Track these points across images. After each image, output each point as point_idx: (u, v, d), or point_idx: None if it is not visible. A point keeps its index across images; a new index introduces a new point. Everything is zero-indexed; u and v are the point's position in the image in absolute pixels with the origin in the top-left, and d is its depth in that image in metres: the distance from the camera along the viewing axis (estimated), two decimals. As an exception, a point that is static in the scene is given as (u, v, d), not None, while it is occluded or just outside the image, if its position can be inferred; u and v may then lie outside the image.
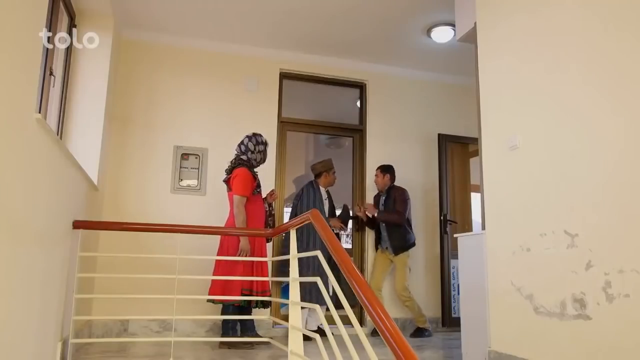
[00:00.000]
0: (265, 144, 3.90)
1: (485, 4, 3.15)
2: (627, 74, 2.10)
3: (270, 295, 3.68)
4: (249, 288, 3.56)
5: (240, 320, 3.72)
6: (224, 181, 3.88)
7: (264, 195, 3.99)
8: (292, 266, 2.74)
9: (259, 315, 3.95)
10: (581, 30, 2.37)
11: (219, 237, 3.78)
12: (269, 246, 4.42)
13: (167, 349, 3.24)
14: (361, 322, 4.67)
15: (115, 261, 3.99)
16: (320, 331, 3.76)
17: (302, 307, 2.93)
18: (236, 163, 3.78)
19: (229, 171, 3.81)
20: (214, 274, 3.63)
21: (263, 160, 3.92)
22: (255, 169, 3.86)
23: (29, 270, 2.07)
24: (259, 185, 3.81)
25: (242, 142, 3.84)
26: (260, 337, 3.68)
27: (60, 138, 3.56)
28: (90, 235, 3.55)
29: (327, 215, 4.43)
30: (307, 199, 4.35)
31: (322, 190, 4.48)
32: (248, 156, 3.79)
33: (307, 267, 3.99)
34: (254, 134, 3.88)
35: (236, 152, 3.85)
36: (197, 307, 3.98)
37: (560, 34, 2.50)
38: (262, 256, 3.69)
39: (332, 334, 2.04)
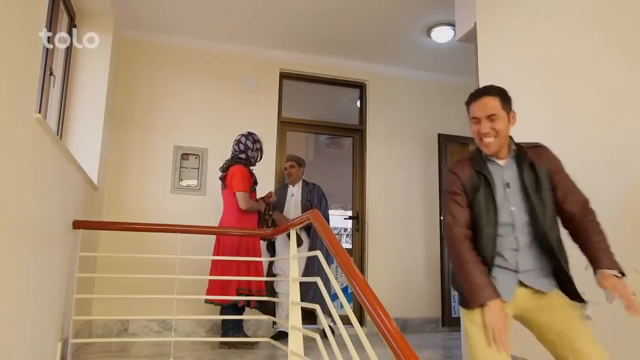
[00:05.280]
0: (260, 142, 3.95)
1: (485, 5, 3.15)
2: (626, 72, 2.10)
3: (265, 295, 3.69)
4: (246, 288, 3.57)
5: (232, 321, 3.72)
6: (220, 178, 3.91)
7: (260, 196, 4.02)
8: (292, 266, 2.74)
9: (259, 316, 3.95)
10: (580, 32, 2.37)
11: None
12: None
13: (167, 349, 3.24)
14: (361, 322, 4.67)
15: (115, 261, 3.99)
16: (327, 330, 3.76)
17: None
18: (233, 161, 3.81)
19: (225, 169, 3.84)
20: (210, 274, 3.64)
21: (260, 157, 3.98)
22: (252, 167, 3.90)
23: (28, 270, 2.07)
24: (255, 183, 3.87)
25: (239, 141, 3.86)
26: (248, 337, 3.71)
27: (60, 138, 3.56)
28: (90, 235, 3.55)
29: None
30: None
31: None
32: (248, 154, 3.83)
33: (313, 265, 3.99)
34: (249, 133, 3.90)
35: (234, 151, 3.87)
36: (197, 307, 3.97)
37: (560, 35, 2.50)
38: (256, 256, 3.71)
39: (333, 333, 2.04)
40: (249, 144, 3.83)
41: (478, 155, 1.84)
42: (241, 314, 3.72)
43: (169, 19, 4.37)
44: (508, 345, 1.54)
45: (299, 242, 3.98)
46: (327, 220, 4.26)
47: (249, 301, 3.62)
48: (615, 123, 2.15)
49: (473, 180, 1.77)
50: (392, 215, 4.99)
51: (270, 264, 4.17)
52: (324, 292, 2.27)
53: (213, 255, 3.72)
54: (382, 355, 1.53)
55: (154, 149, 4.47)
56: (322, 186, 4.40)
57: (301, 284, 3.80)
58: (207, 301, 3.64)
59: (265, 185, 4.46)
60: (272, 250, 4.15)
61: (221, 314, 3.64)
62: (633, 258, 1.99)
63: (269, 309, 3.95)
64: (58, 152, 2.40)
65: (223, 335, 3.67)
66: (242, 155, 3.82)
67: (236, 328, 3.69)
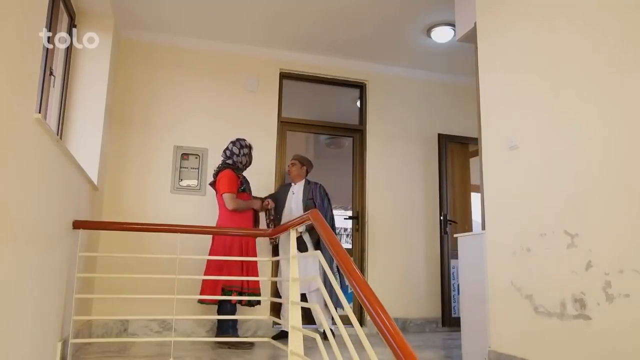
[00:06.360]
0: (249, 147, 4.05)
1: (485, 5, 3.15)
2: (624, 69, 2.10)
3: (259, 294, 3.73)
4: (239, 286, 3.63)
5: (232, 319, 3.73)
6: (210, 184, 4.03)
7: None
8: (292, 266, 2.74)
9: (259, 315, 3.95)
10: (580, 31, 2.37)
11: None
12: (269, 247, 4.42)
13: (167, 349, 3.24)
14: (361, 322, 4.67)
15: (115, 261, 3.98)
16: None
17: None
18: (221, 167, 3.93)
19: (215, 175, 3.96)
20: (204, 274, 3.67)
21: (249, 162, 4.08)
22: (243, 172, 4.02)
23: (28, 270, 2.07)
24: (243, 183, 3.96)
25: (226, 148, 4.00)
26: (238, 336, 3.73)
27: (60, 138, 3.56)
28: (91, 235, 3.55)
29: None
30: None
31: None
32: (233, 160, 3.94)
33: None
34: (237, 139, 4.02)
35: (222, 158, 4.00)
36: (197, 307, 3.97)
37: (560, 35, 2.50)
38: (251, 255, 3.76)
39: (333, 334, 2.04)
40: (235, 150, 3.96)
41: None
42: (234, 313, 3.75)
43: (169, 19, 4.37)
44: None
45: (304, 248, 3.95)
46: (332, 219, 4.25)
47: (250, 300, 3.64)
48: (615, 123, 2.15)
49: None
50: (392, 215, 4.99)
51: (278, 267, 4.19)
52: (323, 292, 2.27)
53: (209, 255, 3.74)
54: (382, 355, 1.53)
55: (154, 149, 4.47)
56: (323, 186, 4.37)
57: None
58: (200, 301, 3.68)
59: (265, 185, 4.47)
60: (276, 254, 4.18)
61: (218, 313, 3.65)
62: (633, 258, 1.99)
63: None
64: (58, 152, 2.40)
65: (222, 335, 3.68)
66: (229, 161, 3.95)
67: (235, 327, 3.70)
